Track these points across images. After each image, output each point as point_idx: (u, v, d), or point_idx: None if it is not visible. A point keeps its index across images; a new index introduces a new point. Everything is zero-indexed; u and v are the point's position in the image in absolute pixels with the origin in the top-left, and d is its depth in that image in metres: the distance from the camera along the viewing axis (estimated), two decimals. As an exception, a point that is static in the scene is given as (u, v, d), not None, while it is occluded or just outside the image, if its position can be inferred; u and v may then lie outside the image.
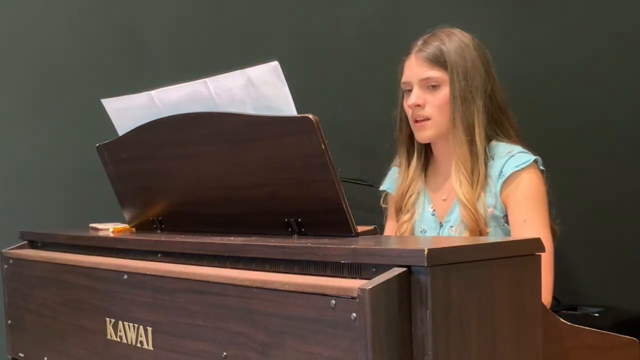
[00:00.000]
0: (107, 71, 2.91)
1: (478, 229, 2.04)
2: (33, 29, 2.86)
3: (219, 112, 1.73)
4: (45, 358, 2.12)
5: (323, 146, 1.53)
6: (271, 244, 1.50)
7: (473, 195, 2.04)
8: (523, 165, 2.03)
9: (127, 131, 2.00)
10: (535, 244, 1.37)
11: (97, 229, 2.19)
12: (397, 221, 2.22)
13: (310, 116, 1.54)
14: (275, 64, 1.60)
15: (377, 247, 1.33)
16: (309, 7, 3.16)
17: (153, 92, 1.90)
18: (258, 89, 1.64)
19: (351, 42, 3.17)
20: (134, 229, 2.10)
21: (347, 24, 3.17)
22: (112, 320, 1.82)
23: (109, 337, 1.84)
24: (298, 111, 1.58)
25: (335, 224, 1.56)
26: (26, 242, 2.34)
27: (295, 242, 1.52)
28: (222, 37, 3.04)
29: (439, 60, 2.08)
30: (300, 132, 1.55)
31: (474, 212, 2.03)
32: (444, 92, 2.08)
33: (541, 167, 2.06)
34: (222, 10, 3.06)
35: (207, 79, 1.75)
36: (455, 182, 2.07)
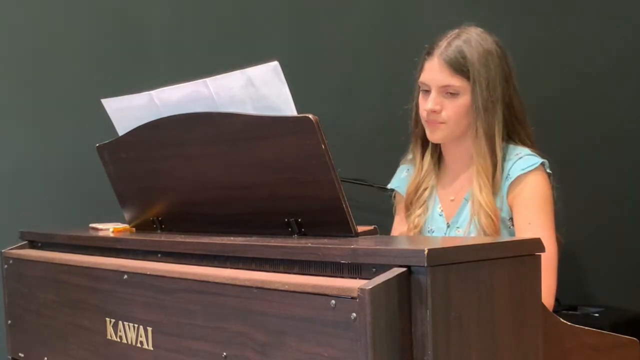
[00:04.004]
0: (107, 71, 2.90)
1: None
2: (33, 29, 2.86)
3: (219, 112, 1.73)
4: (45, 358, 2.12)
5: (323, 146, 1.53)
6: (271, 244, 1.50)
7: (494, 203, 2.03)
8: (530, 168, 2.02)
9: (127, 131, 2.00)
10: (535, 244, 1.37)
11: (97, 229, 2.19)
12: (408, 216, 2.20)
13: (310, 116, 1.54)
14: (275, 64, 1.60)
15: (377, 247, 1.33)
16: (309, 7, 3.15)
17: (153, 92, 1.90)
18: (258, 89, 1.64)
19: (351, 42, 3.17)
20: (134, 229, 2.10)
21: (347, 24, 3.17)
22: (112, 320, 1.82)
23: (108, 337, 1.84)
24: (298, 111, 1.58)
25: (335, 224, 1.56)
26: (26, 242, 2.33)
27: (295, 242, 1.52)
28: (222, 37, 3.04)
29: (461, 69, 2.03)
30: (300, 132, 1.55)
31: (494, 220, 2.01)
32: (463, 100, 2.05)
33: (548, 170, 2.06)
34: (222, 10, 3.06)
35: (207, 79, 1.75)
36: (476, 188, 2.04)
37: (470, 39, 2.06)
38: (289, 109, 1.59)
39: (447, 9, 3.10)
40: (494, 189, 2.05)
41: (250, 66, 1.65)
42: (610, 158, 3.31)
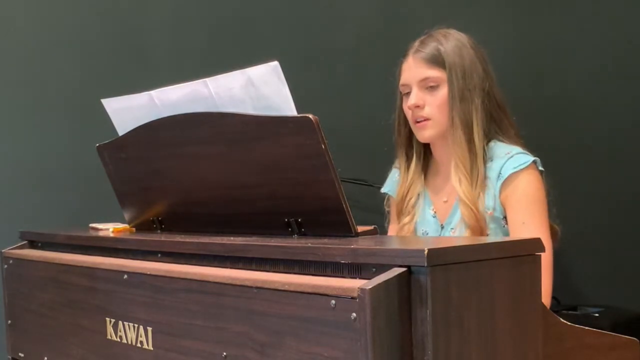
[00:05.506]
0: (107, 71, 2.90)
1: (479, 228, 2.03)
2: (33, 29, 2.86)
3: (219, 112, 1.73)
4: (45, 358, 2.12)
5: (323, 146, 1.53)
6: (271, 244, 1.50)
7: (473, 193, 2.04)
8: (522, 167, 2.02)
9: (127, 131, 2.00)
10: (535, 244, 1.37)
11: (97, 229, 2.19)
12: (399, 224, 2.22)
13: (310, 116, 1.54)
14: (275, 64, 1.60)
15: (377, 247, 1.33)
16: (309, 7, 3.16)
17: (153, 92, 1.90)
18: (258, 89, 1.64)
19: (351, 42, 3.17)
20: (134, 229, 2.10)
21: (347, 24, 3.17)
22: (112, 320, 1.82)
23: (109, 337, 1.84)
24: (298, 111, 1.58)
25: (335, 224, 1.56)
26: (26, 242, 2.33)
27: (295, 242, 1.52)
28: (222, 37, 3.04)
29: (437, 60, 2.07)
30: (300, 132, 1.55)
31: (474, 210, 2.02)
32: (443, 92, 2.07)
33: (540, 168, 2.06)
34: (222, 10, 3.06)
35: (207, 79, 1.75)
36: (455, 181, 2.06)
37: (443, 35, 2.12)
38: (289, 109, 1.59)
39: (447, 9, 3.10)
40: (477, 179, 2.05)
41: (250, 66, 1.65)
42: (612, 157, 3.31)
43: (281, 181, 1.64)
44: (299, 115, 1.56)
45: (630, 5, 3.29)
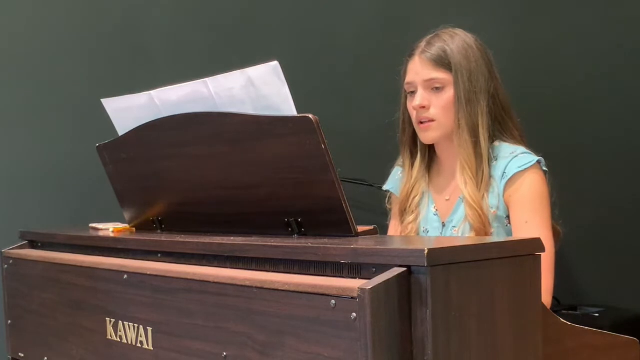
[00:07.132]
0: (107, 71, 2.90)
1: (484, 230, 2.04)
2: (33, 29, 2.86)
3: (219, 112, 1.73)
4: (45, 358, 2.12)
5: (323, 146, 1.53)
6: (271, 244, 1.50)
7: (479, 195, 2.04)
8: (526, 166, 2.02)
9: (127, 131, 2.00)
10: (535, 244, 1.37)
11: (97, 229, 2.19)
12: (401, 222, 2.22)
13: (310, 116, 1.54)
14: (275, 64, 1.60)
15: (377, 247, 1.33)
16: (309, 7, 3.16)
17: (153, 92, 1.90)
18: (258, 89, 1.64)
19: (351, 42, 3.17)
20: (134, 229, 2.10)
21: (347, 24, 3.17)
22: (112, 320, 1.82)
23: (109, 337, 1.84)
24: (298, 111, 1.58)
25: (335, 224, 1.56)
26: (26, 242, 2.34)
27: (295, 242, 1.52)
28: (222, 37, 3.04)
29: (443, 62, 2.06)
30: (300, 132, 1.55)
31: (480, 212, 2.02)
32: (449, 93, 2.07)
33: (544, 168, 2.06)
34: (221, 10, 3.06)
35: (207, 79, 1.75)
36: (461, 183, 2.06)
37: (449, 36, 2.11)
38: (289, 109, 1.59)
39: (447, 9, 3.10)
40: (482, 181, 2.05)
41: (250, 66, 1.65)
42: (612, 157, 3.31)
43: (281, 181, 1.64)
44: (299, 115, 1.56)
45: (629, 6, 3.29)
